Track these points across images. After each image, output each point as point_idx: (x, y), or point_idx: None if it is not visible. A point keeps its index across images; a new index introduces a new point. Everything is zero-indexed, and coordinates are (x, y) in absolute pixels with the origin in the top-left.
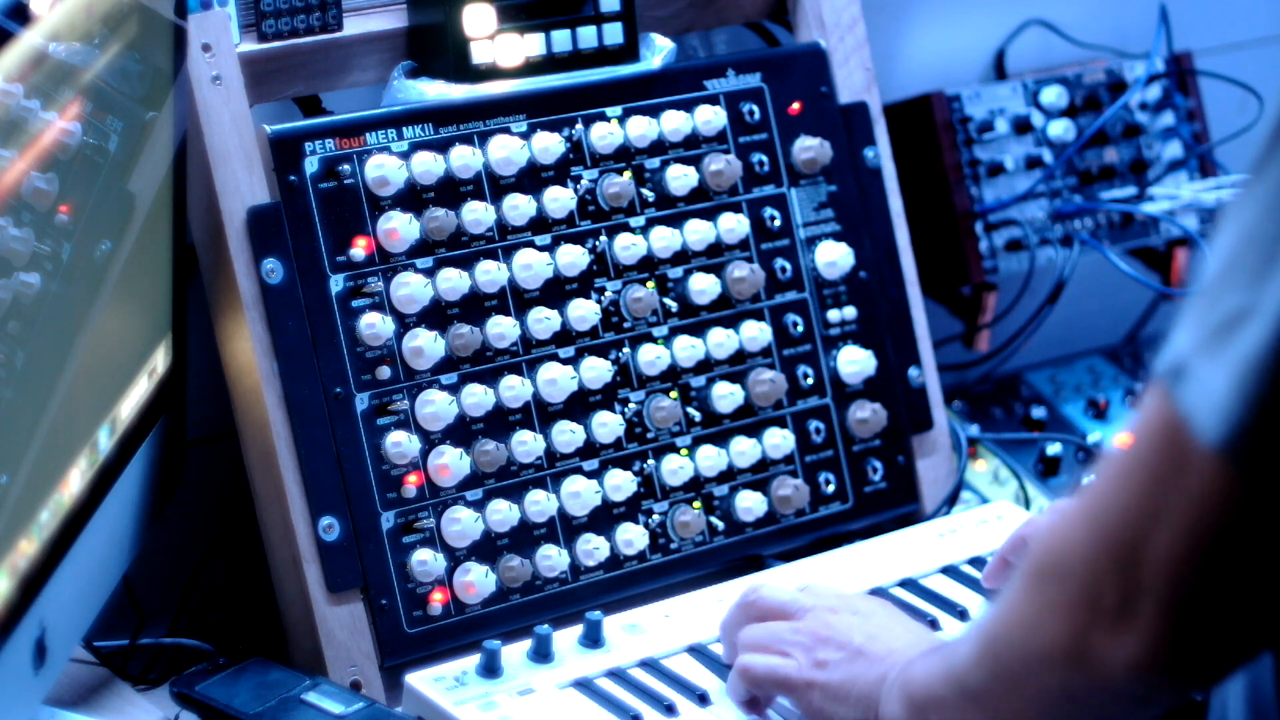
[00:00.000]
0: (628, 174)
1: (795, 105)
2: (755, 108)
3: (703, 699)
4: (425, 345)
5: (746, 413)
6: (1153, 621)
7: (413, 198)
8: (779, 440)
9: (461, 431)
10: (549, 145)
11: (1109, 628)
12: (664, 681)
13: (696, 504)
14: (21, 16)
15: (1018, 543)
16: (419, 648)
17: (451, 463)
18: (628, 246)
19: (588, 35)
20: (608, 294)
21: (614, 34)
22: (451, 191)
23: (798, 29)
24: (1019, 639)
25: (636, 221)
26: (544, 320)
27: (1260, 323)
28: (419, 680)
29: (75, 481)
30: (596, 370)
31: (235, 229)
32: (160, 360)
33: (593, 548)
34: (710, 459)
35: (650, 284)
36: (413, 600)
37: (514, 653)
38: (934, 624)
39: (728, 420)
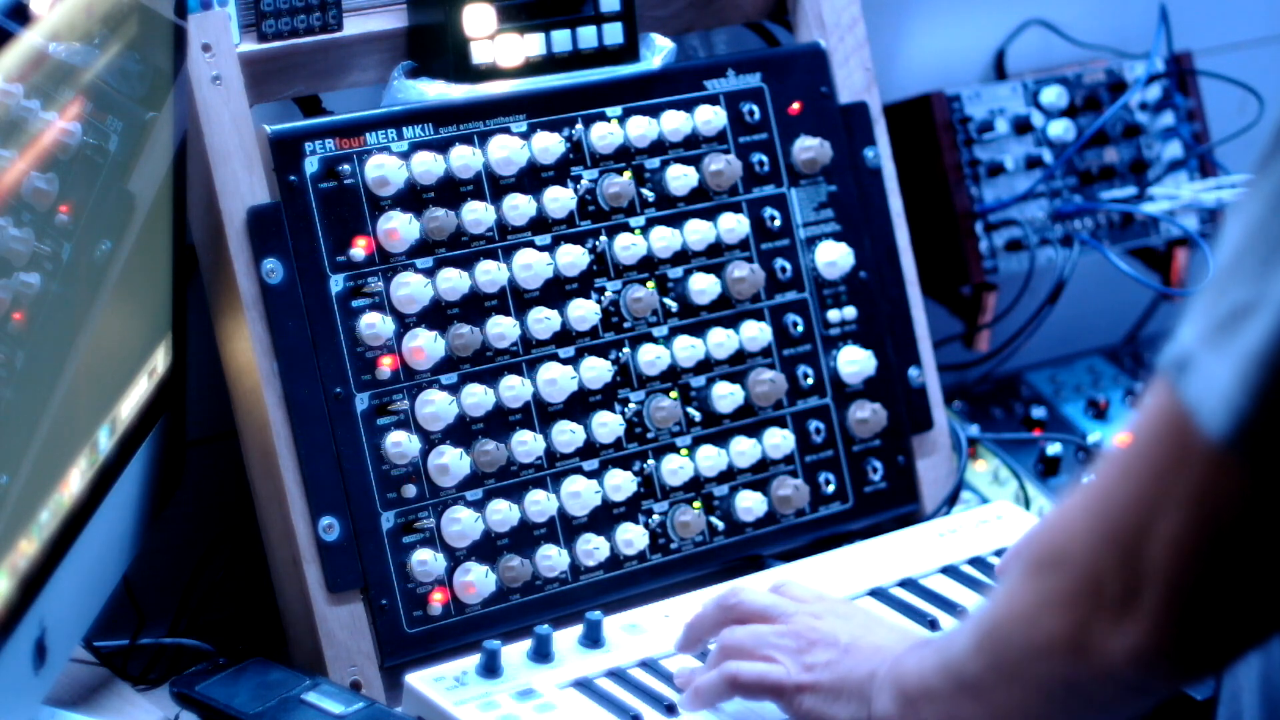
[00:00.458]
0: (628, 174)
1: (795, 105)
2: (755, 108)
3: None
4: (425, 345)
5: (746, 413)
6: (1154, 611)
7: (413, 198)
8: (779, 440)
9: (461, 431)
10: (549, 145)
11: (1110, 617)
12: (664, 681)
13: (696, 504)
14: (21, 16)
15: None
16: (419, 648)
17: (451, 462)
18: (628, 246)
19: (588, 35)
20: (608, 294)
21: (614, 34)
22: (451, 191)
23: (798, 29)
24: (1019, 629)
25: (636, 221)
26: (544, 320)
27: (1266, 316)
28: (419, 680)
29: (75, 481)
30: (596, 370)
31: (235, 229)
32: (160, 360)
33: (593, 548)
34: (710, 459)
35: (650, 284)
36: (413, 600)
37: (514, 653)
38: (934, 624)
39: (728, 420)
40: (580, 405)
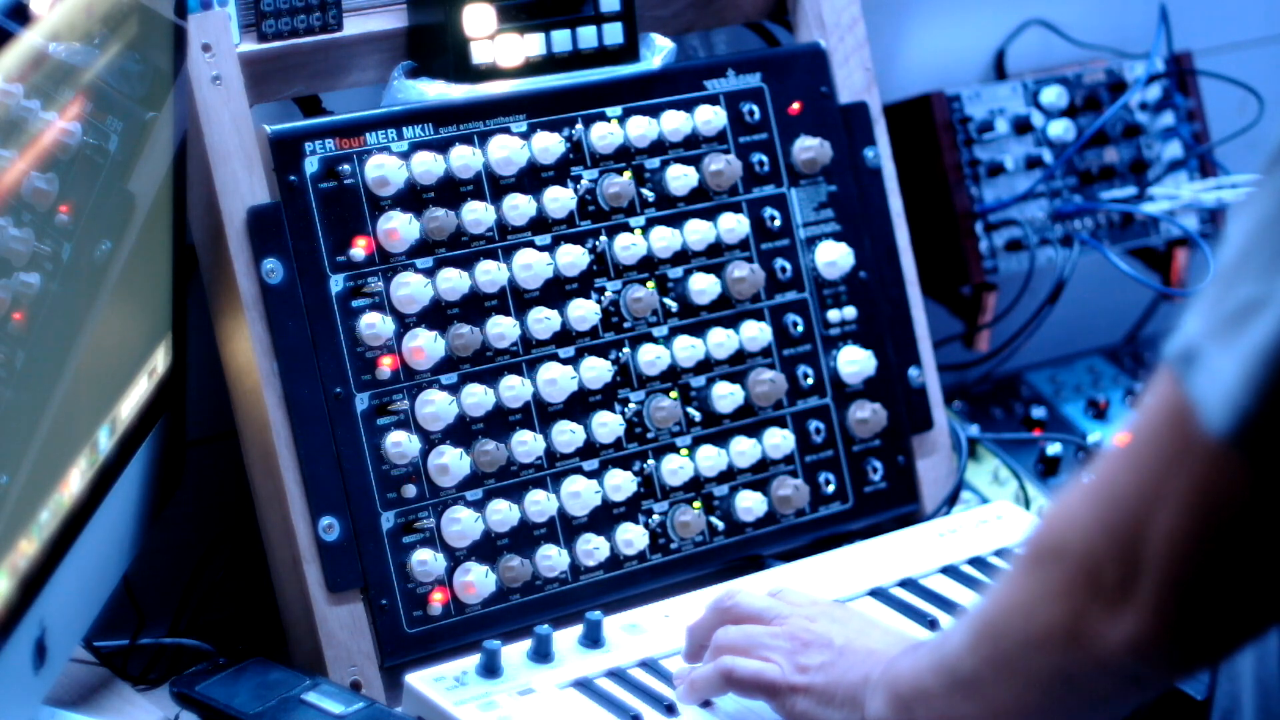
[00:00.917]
0: (628, 174)
1: (795, 105)
2: (755, 108)
3: (704, 700)
4: (425, 345)
5: (746, 413)
6: (1152, 601)
7: (413, 198)
8: (779, 440)
9: (461, 431)
10: (549, 145)
11: (1107, 606)
12: (664, 681)
13: (696, 504)
14: (21, 16)
15: None
16: (419, 648)
17: (451, 463)
18: (628, 246)
19: (588, 35)
20: (608, 294)
21: (614, 34)
22: (451, 191)
23: (798, 29)
24: (1016, 621)
25: (636, 221)
26: (544, 320)
27: (1272, 314)
28: (419, 680)
29: (75, 481)
30: (596, 370)
31: (235, 229)
32: (160, 360)
33: (593, 548)
34: (710, 459)
35: (650, 284)
36: (413, 600)
37: (514, 653)
38: (934, 624)
39: (728, 420)
40: (580, 405)
